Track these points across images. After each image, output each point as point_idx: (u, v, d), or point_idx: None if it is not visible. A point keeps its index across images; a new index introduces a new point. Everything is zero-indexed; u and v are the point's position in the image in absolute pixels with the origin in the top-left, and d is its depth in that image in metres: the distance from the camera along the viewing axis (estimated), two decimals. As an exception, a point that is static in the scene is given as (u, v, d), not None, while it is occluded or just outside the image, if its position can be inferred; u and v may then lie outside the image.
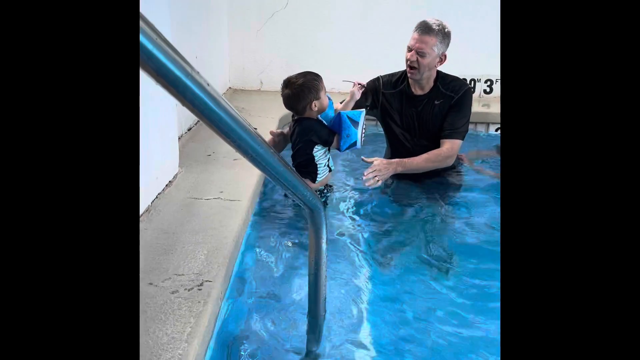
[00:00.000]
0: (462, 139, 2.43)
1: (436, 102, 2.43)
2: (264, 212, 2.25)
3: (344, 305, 1.66)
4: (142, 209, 1.87)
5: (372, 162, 2.23)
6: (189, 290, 1.44)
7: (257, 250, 1.95)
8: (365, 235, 2.15)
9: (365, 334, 1.55)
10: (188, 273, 1.52)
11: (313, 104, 2.09)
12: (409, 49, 2.35)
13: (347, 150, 2.22)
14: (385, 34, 3.78)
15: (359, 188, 2.47)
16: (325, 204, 2.28)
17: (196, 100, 0.69)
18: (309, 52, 3.88)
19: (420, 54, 2.30)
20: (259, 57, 4.00)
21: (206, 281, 1.48)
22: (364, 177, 2.18)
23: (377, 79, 2.57)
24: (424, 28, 2.31)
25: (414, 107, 2.47)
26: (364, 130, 2.15)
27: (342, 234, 2.13)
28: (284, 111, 2.80)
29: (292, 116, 2.22)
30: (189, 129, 2.91)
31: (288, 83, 2.10)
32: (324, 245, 1.42)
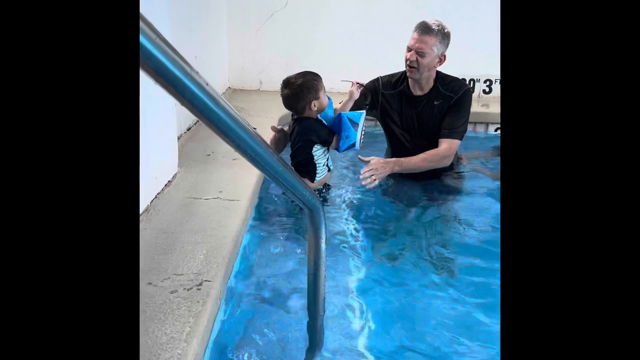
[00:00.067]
0: (461, 139, 2.43)
1: (435, 103, 2.43)
2: (263, 211, 2.25)
3: (343, 306, 1.66)
4: (141, 208, 1.86)
5: (369, 162, 2.23)
6: (188, 290, 1.44)
7: (257, 250, 1.95)
8: (365, 235, 2.15)
9: (364, 334, 1.55)
10: (187, 273, 1.52)
11: (312, 104, 2.09)
12: (409, 49, 2.35)
13: (345, 151, 2.22)
14: (385, 34, 3.78)
15: (359, 188, 2.47)
16: (323, 203, 2.28)
17: (195, 99, 0.69)
18: (308, 52, 3.88)
19: (419, 53, 2.30)
20: (259, 57, 4.00)
21: (205, 281, 1.48)
22: (361, 176, 2.18)
23: (377, 79, 2.57)
24: (424, 28, 2.31)
25: (414, 108, 2.47)
26: (363, 132, 2.16)
27: (342, 234, 2.13)
28: (283, 111, 2.80)
29: (292, 115, 2.23)
30: (188, 129, 2.91)
31: (287, 83, 2.10)
32: (323, 245, 1.42)
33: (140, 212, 1.86)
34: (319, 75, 2.12)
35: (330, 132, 2.17)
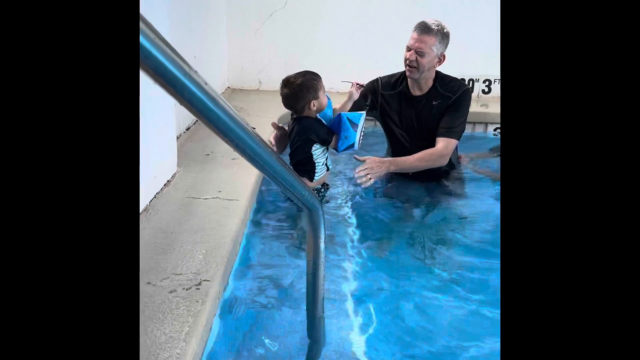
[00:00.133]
0: (458, 139, 2.43)
1: (434, 103, 2.43)
2: (262, 211, 2.25)
3: (342, 305, 1.67)
4: (140, 208, 1.86)
5: (364, 161, 2.23)
6: (187, 289, 1.44)
7: (255, 249, 1.95)
8: (364, 234, 2.15)
9: (364, 334, 1.55)
10: (186, 272, 1.52)
11: (312, 104, 2.10)
12: (408, 49, 2.35)
13: (344, 152, 2.22)
14: (385, 34, 3.78)
15: (357, 187, 2.47)
16: (322, 202, 2.28)
17: (194, 99, 0.69)
18: (307, 52, 3.88)
19: (419, 53, 2.30)
20: (258, 56, 4.00)
21: (204, 280, 1.48)
22: (356, 175, 2.18)
23: (376, 80, 2.57)
24: (423, 28, 2.31)
25: (413, 108, 2.48)
26: (362, 133, 2.16)
27: (341, 234, 2.13)
28: (282, 111, 2.80)
29: (291, 115, 2.23)
30: (188, 129, 2.91)
31: (287, 82, 2.10)
32: (322, 245, 1.42)
33: (140, 211, 1.86)
34: (319, 75, 2.12)
35: (329, 132, 2.17)
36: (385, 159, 2.34)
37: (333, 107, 2.29)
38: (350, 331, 1.56)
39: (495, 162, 2.86)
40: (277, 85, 2.18)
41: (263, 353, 1.44)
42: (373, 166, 2.22)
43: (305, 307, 1.54)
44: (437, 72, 2.45)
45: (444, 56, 2.37)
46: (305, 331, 1.51)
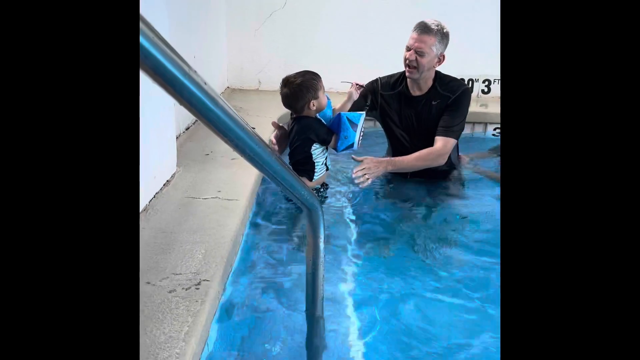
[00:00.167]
0: (457, 138, 2.43)
1: (433, 103, 2.43)
2: (261, 211, 2.25)
3: (342, 305, 1.67)
4: (139, 208, 1.86)
5: (362, 161, 2.23)
6: (186, 289, 1.44)
7: (255, 249, 1.95)
8: (364, 234, 2.15)
9: (364, 334, 1.55)
10: (186, 272, 1.52)
11: (311, 103, 2.10)
12: (408, 49, 2.35)
13: (343, 152, 2.22)
14: (384, 33, 3.78)
15: (358, 188, 2.47)
16: (321, 202, 2.28)
17: (193, 99, 0.69)
18: (307, 52, 3.88)
19: (419, 53, 2.31)
20: (257, 56, 4.00)
21: (204, 280, 1.48)
22: (353, 175, 2.18)
23: (376, 80, 2.57)
24: (423, 28, 2.31)
25: (412, 108, 2.48)
26: (362, 133, 2.16)
27: (340, 233, 2.13)
28: (282, 111, 2.80)
29: (291, 115, 2.23)
30: (187, 128, 2.91)
31: (287, 82, 2.10)
32: (321, 244, 1.43)
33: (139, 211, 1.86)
34: (319, 75, 2.12)
35: (329, 132, 2.17)
36: (383, 158, 2.34)
37: (332, 108, 2.29)
38: (350, 331, 1.56)
39: (495, 162, 2.86)
40: (277, 85, 2.18)
41: (263, 353, 1.44)
42: (370, 166, 2.22)
43: (304, 307, 1.54)
44: (437, 72, 2.45)
45: (444, 56, 2.37)
46: (305, 331, 1.52)
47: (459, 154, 2.70)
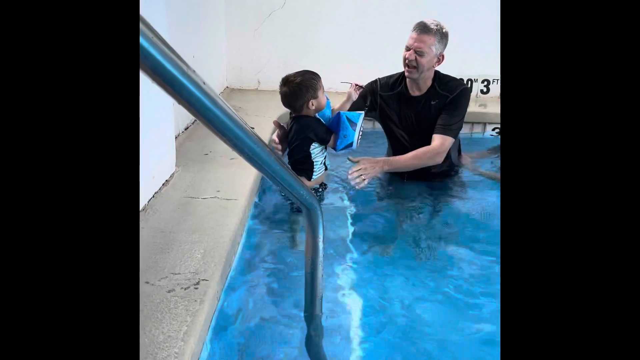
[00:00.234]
0: (454, 137, 2.42)
1: (432, 103, 2.43)
2: (260, 211, 2.25)
3: (341, 305, 1.67)
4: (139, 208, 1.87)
5: (358, 162, 2.23)
6: (185, 289, 1.44)
7: (254, 249, 1.95)
8: (363, 234, 2.16)
9: (363, 334, 1.56)
10: (184, 272, 1.52)
11: (310, 103, 2.10)
12: (407, 49, 2.35)
13: (342, 151, 2.22)
14: (383, 33, 3.78)
15: (353, 187, 2.47)
16: (320, 201, 2.28)
17: (192, 99, 0.69)
18: (306, 52, 3.88)
19: (418, 53, 2.31)
20: (257, 56, 4.00)
21: (203, 280, 1.48)
22: (349, 176, 2.18)
23: (375, 81, 2.58)
24: (422, 28, 2.31)
25: (412, 108, 2.48)
26: (361, 132, 2.16)
27: (339, 233, 2.13)
28: (281, 110, 2.80)
29: (290, 114, 2.23)
30: (186, 128, 2.90)
31: (286, 81, 2.11)
32: (320, 244, 1.43)
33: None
34: (318, 75, 2.13)
35: (328, 131, 2.17)
36: (380, 158, 2.33)
37: (332, 108, 2.29)
38: (349, 331, 1.56)
39: (495, 162, 2.86)
40: (276, 85, 2.18)
41: (262, 353, 1.44)
42: (367, 167, 2.21)
43: (303, 306, 1.54)
44: (436, 72, 2.45)
45: (443, 56, 2.37)
46: (304, 330, 1.52)
47: (461, 153, 2.70)
